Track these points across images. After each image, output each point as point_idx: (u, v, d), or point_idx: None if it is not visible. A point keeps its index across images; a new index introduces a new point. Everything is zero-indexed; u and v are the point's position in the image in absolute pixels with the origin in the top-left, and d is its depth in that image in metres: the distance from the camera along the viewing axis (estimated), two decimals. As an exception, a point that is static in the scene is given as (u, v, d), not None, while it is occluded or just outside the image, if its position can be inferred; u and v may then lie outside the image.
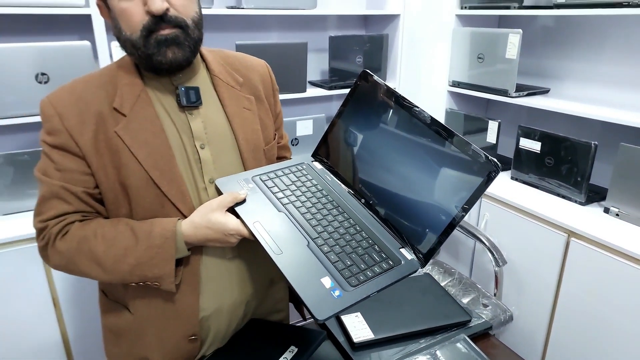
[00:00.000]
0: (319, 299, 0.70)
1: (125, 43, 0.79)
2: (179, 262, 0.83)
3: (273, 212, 0.83)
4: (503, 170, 1.97)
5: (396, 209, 0.85)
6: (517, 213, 1.70)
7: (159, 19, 0.75)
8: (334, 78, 2.01)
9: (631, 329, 1.37)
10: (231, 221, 0.80)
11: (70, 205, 0.79)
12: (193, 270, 0.84)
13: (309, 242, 0.79)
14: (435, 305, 1.10)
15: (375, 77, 0.91)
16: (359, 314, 1.04)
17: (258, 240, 0.77)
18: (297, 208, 0.85)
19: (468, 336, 1.01)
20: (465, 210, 0.76)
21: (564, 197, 1.69)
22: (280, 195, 0.87)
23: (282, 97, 1.90)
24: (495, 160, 0.74)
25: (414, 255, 0.81)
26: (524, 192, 1.77)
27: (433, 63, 2.14)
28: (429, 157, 0.82)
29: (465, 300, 1.71)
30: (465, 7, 1.97)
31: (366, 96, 0.92)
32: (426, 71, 2.18)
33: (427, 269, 1.89)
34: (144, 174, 0.80)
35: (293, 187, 0.89)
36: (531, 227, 1.65)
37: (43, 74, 1.46)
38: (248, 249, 0.89)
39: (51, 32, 1.68)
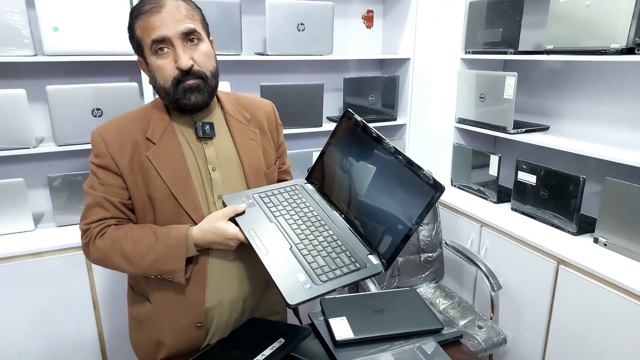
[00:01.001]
0: (292, 288, 0.88)
1: (159, 89, 1.03)
2: (190, 261, 1.03)
3: (266, 222, 1.03)
4: (505, 201, 2.09)
5: (367, 221, 1.03)
6: (513, 241, 1.82)
7: (186, 73, 0.99)
8: (347, 114, 2.23)
9: (620, 356, 1.44)
10: (231, 228, 1.00)
11: (108, 212, 1.02)
12: (200, 267, 1.04)
13: (291, 246, 0.98)
14: (413, 313, 1.24)
15: (355, 115, 1.11)
16: (344, 317, 1.20)
17: (251, 244, 0.97)
18: (286, 220, 1.04)
19: (439, 342, 1.14)
20: (418, 223, 0.93)
21: (557, 227, 1.79)
22: (274, 209, 1.06)
23: (300, 130, 2.14)
24: (440, 182, 0.91)
25: (379, 260, 0.98)
26: (521, 222, 1.89)
27: (441, 102, 2.32)
28: (392, 179, 1.00)
29: (462, 322, 1.82)
30: (469, 52, 2.16)
31: (348, 130, 1.12)
32: (434, 109, 2.36)
33: (430, 291, 2.01)
34: (166, 189, 1.02)
35: (285, 204, 1.09)
36: (525, 255, 1.76)
37: (98, 109, 1.76)
38: (247, 254, 1.08)
39: (107, 74, 2.00)
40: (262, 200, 1.09)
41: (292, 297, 0.87)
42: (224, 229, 1.00)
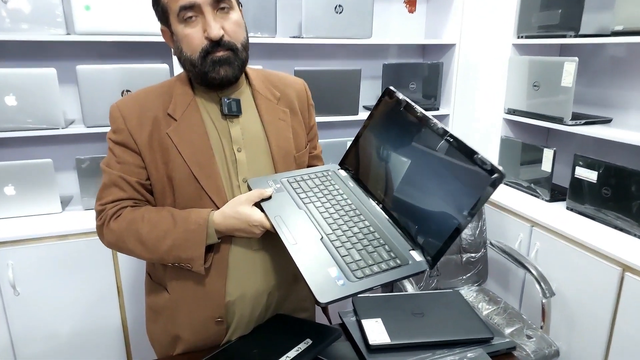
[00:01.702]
0: (323, 284, 0.77)
1: (184, 62, 0.94)
2: (210, 249, 0.94)
3: (294, 209, 0.92)
4: (559, 200, 1.90)
5: (409, 213, 0.90)
6: (569, 244, 1.64)
7: (216, 44, 0.89)
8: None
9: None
10: (256, 214, 0.90)
11: (125, 193, 0.94)
12: (222, 257, 0.95)
13: (322, 237, 0.86)
14: (458, 319, 1.11)
15: (398, 93, 0.98)
16: (379, 319, 1.08)
17: (277, 232, 0.86)
18: (316, 207, 0.93)
19: (488, 353, 1.00)
20: (471, 215, 0.80)
21: (621, 229, 1.60)
22: (303, 195, 0.95)
23: (335, 118, 2.02)
24: (500, 168, 0.77)
25: (423, 257, 0.86)
26: (578, 223, 1.70)
27: (488, 91, 2.14)
28: (440, 164, 0.86)
29: (508, 330, 1.65)
30: (522, 37, 1.97)
31: (388, 110, 0.99)
32: (481, 99, 2.18)
33: (472, 295, 1.86)
34: (186, 169, 0.93)
35: (316, 190, 0.98)
36: (584, 259, 1.58)
37: (127, 90, 1.70)
38: (273, 244, 0.98)
39: (138, 56, 1.95)
40: (291, 185, 0.98)
41: (322, 294, 0.75)
42: (248, 215, 0.90)
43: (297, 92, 1.09)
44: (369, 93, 2.33)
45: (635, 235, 1.55)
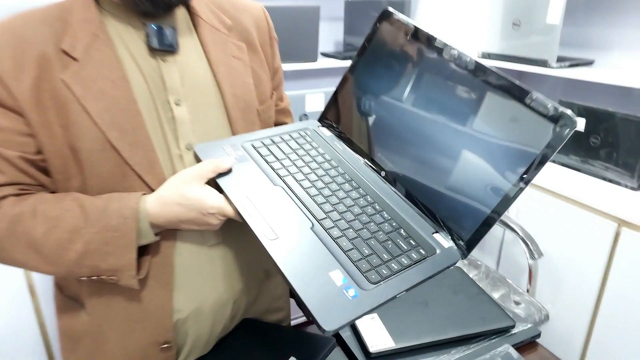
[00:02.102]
0: (327, 301, 0.51)
1: None
2: (145, 251, 0.64)
3: (267, 186, 0.64)
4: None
5: (428, 183, 0.65)
6: (555, 199, 1.49)
7: None
8: (349, 47, 1.80)
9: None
10: (211, 196, 0.61)
11: (2, 175, 0.61)
12: (164, 261, 0.66)
13: (313, 224, 0.60)
14: (470, 306, 0.91)
15: (401, 16, 0.70)
16: (375, 315, 0.85)
17: (246, 222, 0.58)
18: (298, 181, 0.65)
19: (512, 346, 0.81)
20: (525, 182, 0.56)
21: (611, 181, 1.47)
22: (277, 165, 0.67)
23: (290, 66, 1.70)
24: (568, 112, 0.54)
25: (452, 241, 0.62)
26: (563, 176, 1.55)
27: (460, 32, 1.91)
28: (472, 112, 0.61)
29: (494, 297, 1.51)
30: (498, -33, 1.74)
31: (388, 42, 0.71)
32: (452, 41, 1.95)
33: (450, 261, 1.69)
34: (98, 134, 0.61)
35: (294, 156, 0.70)
36: (573, 216, 1.44)
37: None
38: (236, 233, 0.70)
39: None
40: (259, 151, 0.69)
41: (329, 317, 0.50)
42: (199, 198, 0.61)
43: (255, 20, 0.78)
44: (327, 39, 2.02)
45: (627, 186, 1.43)
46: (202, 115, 0.69)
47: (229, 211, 0.61)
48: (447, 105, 0.64)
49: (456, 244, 0.62)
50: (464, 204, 0.61)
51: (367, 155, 0.73)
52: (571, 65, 1.63)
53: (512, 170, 0.57)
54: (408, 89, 0.68)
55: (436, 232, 0.63)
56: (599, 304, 1.41)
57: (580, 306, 1.46)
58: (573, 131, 0.54)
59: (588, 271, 1.42)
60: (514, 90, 0.58)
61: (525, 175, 0.56)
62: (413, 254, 0.59)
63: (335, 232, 0.59)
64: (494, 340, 0.84)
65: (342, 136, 0.76)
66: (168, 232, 0.65)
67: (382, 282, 0.54)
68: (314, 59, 1.74)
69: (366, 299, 0.52)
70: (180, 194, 0.60)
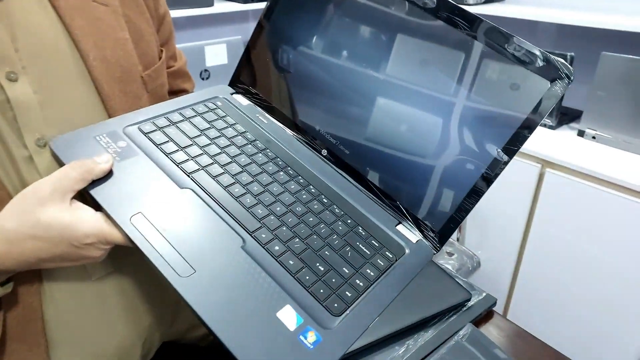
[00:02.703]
0: (276, 357, 0.36)
1: None
2: (-7, 305, 0.43)
3: (170, 191, 0.45)
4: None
5: (384, 160, 0.51)
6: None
7: None
8: (248, -13, 1.55)
9: (608, 261, 1.21)
10: (84, 219, 0.41)
11: None
12: (28, 314, 0.45)
13: (244, 241, 0.43)
14: (420, 283, 0.81)
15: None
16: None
17: (143, 253, 0.40)
18: (214, 177, 0.47)
19: (472, 322, 0.74)
20: (510, 152, 0.44)
21: (531, 121, 1.46)
22: (180, 156, 0.48)
23: (181, 13, 1.42)
24: (562, 61, 0.42)
25: (419, 233, 0.49)
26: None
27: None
28: (439, 67, 0.47)
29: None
30: None
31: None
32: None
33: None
34: None
35: (203, 140, 0.51)
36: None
37: None
38: (133, 253, 0.51)
39: None
40: (150, 138, 0.49)
41: None
42: (67, 225, 0.40)
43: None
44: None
45: (545, 125, 1.43)
46: (57, 93, 0.46)
47: (115, 236, 0.41)
48: (403, 57, 0.49)
49: (425, 235, 0.49)
50: (432, 185, 0.48)
51: (301, 128, 0.56)
52: (486, 2, 1.56)
53: (493, 140, 0.45)
54: (349, 37, 0.52)
55: (399, 223, 0.50)
56: (524, 245, 1.43)
57: (507, 248, 1.49)
58: (569, 85, 0.42)
59: (514, 214, 1.43)
60: (492, 36, 0.44)
61: (510, 145, 0.44)
62: (379, 260, 0.45)
63: (277, 248, 0.43)
64: (452, 319, 0.76)
65: (264, 104, 0.58)
66: (28, 274, 0.44)
67: (348, 311, 0.40)
68: (210, 3, 1.47)
69: (333, 343, 0.38)
70: (33, 222, 0.39)
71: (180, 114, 0.53)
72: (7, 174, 0.43)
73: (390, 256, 0.46)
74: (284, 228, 0.44)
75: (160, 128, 0.50)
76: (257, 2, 1.56)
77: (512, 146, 0.44)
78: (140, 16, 0.56)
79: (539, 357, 0.69)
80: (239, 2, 1.56)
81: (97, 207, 0.42)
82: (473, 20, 0.44)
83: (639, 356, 1.21)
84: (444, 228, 0.48)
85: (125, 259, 0.51)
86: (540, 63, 0.42)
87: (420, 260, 0.47)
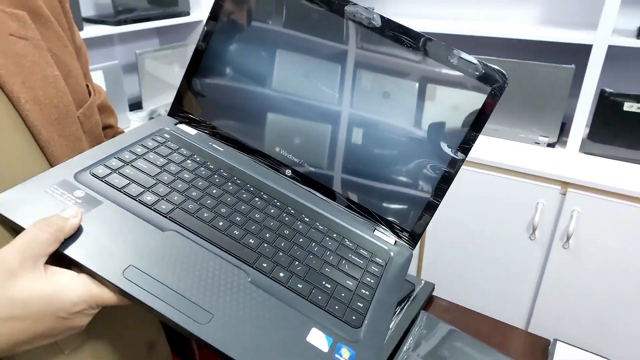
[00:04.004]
0: None
1: None
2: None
3: (152, 236, 0.41)
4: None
5: (349, 172, 0.53)
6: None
7: None
8: (121, 8, 1.45)
9: (491, 230, 1.40)
10: (69, 284, 0.35)
11: None
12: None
13: (249, 275, 0.41)
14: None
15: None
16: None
17: (147, 306, 0.36)
18: (193, 214, 0.44)
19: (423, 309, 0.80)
20: (465, 150, 0.50)
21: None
22: (149, 198, 0.44)
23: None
24: (497, 67, 0.49)
25: (394, 235, 0.53)
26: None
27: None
28: (387, 79, 0.51)
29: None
30: None
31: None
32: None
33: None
34: None
35: (166, 177, 0.47)
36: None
37: None
38: (104, 313, 0.45)
39: None
40: (108, 182, 0.44)
41: None
42: (51, 296, 0.34)
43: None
44: (87, 0, 1.58)
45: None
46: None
47: (106, 297, 0.36)
48: (350, 72, 0.52)
49: (400, 236, 0.53)
50: (400, 188, 0.52)
51: (258, 151, 0.55)
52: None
53: (448, 142, 0.51)
54: (297, 53, 0.53)
55: (375, 229, 0.53)
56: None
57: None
58: (505, 89, 0.49)
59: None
60: (434, 49, 0.49)
61: (464, 144, 0.50)
62: (373, 267, 0.47)
63: (282, 274, 0.42)
64: (404, 311, 0.81)
65: (213, 131, 0.56)
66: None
67: (366, 321, 0.42)
68: (79, 27, 1.34)
69: (366, 354, 0.39)
70: (6, 301, 0.33)
71: (131, 152, 0.49)
72: None
73: (381, 262, 0.48)
74: (281, 254, 0.44)
75: (114, 170, 0.45)
76: (130, 23, 1.46)
77: (466, 145, 0.50)
78: (64, 49, 0.49)
79: (481, 327, 0.79)
80: (109, 24, 1.44)
81: (75, 267, 0.37)
82: (417, 37, 0.49)
83: (529, 308, 1.42)
84: (416, 227, 0.52)
85: (97, 321, 0.45)
86: (480, 71, 0.49)
87: (405, 260, 0.50)
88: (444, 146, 0.51)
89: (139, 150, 0.49)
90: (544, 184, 1.26)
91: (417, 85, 0.51)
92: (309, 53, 0.52)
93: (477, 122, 0.49)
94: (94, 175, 0.44)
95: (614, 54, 1.21)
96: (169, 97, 1.64)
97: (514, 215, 1.32)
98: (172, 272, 0.38)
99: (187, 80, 0.56)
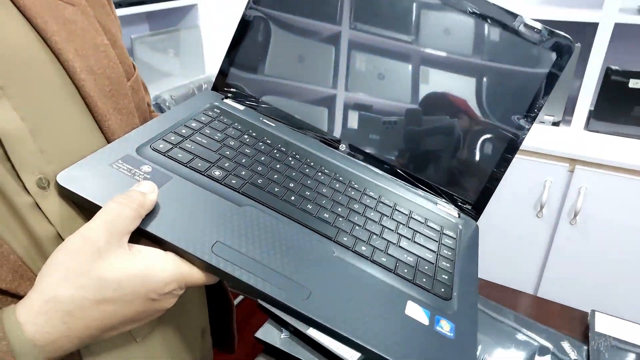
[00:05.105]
0: (435, 357, 0.34)
1: None
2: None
3: (231, 212, 0.38)
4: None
5: (408, 144, 0.52)
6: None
7: None
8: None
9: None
10: (159, 263, 0.32)
11: None
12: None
13: (334, 251, 0.39)
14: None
15: None
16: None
17: (243, 283, 0.33)
18: (265, 190, 0.42)
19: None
20: (530, 119, 0.49)
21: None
22: (218, 173, 0.41)
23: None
24: (563, 33, 0.48)
25: (457, 208, 0.51)
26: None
27: None
28: (454, 44, 0.49)
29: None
30: None
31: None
32: None
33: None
34: None
35: (229, 152, 0.45)
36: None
37: None
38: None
39: None
40: (174, 157, 0.41)
41: None
42: (143, 276, 0.31)
43: None
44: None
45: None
46: (47, 118, 0.36)
47: (196, 276, 0.34)
48: (416, 38, 0.50)
49: (462, 209, 0.52)
50: (462, 159, 0.51)
51: (310, 126, 0.53)
52: None
53: (513, 110, 0.49)
54: (354, 12, 0.50)
55: (436, 203, 0.51)
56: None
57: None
58: (572, 54, 0.48)
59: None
60: (498, 15, 0.48)
61: (529, 113, 0.49)
62: (447, 240, 0.46)
63: (364, 248, 0.40)
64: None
65: (261, 107, 0.53)
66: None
67: (454, 293, 0.40)
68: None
69: (465, 325, 0.37)
70: (97, 283, 0.29)
71: (186, 126, 0.46)
72: (8, 228, 0.32)
73: (452, 234, 0.47)
74: (357, 228, 0.42)
75: (175, 145, 0.43)
76: (125, 7, 1.39)
77: (532, 113, 0.49)
78: (107, 17, 0.46)
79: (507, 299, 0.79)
80: (122, 7, 1.37)
81: (156, 241, 0.34)
82: (481, 3, 0.48)
83: (536, 284, 1.45)
84: (479, 199, 0.51)
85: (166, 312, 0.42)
86: (545, 37, 0.47)
87: (474, 232, 0.49)
88: (509, 115, 0.49)
89: (194, 125, 0.46)
90: (553, 162, 1.27)
91: (481, 53, 0.49)
92: (371, 22, 0.50)
93: (543, 90, 0.48)
94: (155, 149, 0.41)
95: (618, 32, 1.22)
96: (166, 83, 1.59)
97: (523, 193, 1.33)
98: (260, 248, 0.36)
99: (232, 53, 0.53)
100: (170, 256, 0.33)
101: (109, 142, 0.41)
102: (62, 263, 0.30)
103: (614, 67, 1.23)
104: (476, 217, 0.51)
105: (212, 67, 1.74)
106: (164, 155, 0.41)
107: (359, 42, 0.51)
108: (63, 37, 0.38)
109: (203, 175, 0.40)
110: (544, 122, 1.39)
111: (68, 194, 0.35)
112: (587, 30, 1.26)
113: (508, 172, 0.50)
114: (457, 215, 0.51)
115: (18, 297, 0.31)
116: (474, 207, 0.51)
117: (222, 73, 0.54)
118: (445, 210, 0.50)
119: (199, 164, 0.41)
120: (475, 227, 0.50)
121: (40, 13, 0.37)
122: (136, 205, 0.33)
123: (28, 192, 0.33)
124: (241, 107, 0.53)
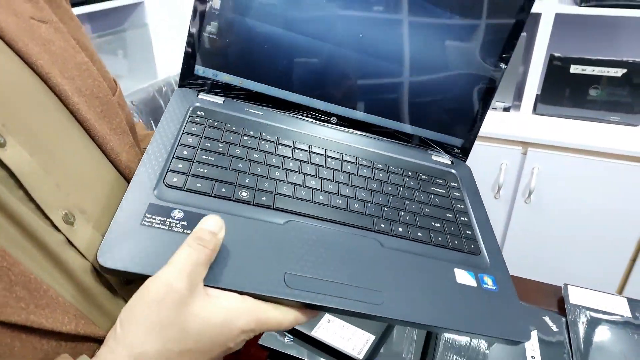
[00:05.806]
0: (493, 314, 0.38)
1: None
2: None
3: (278, 233, 0.38)
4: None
5: (391, 102, 0.54)
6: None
7: None
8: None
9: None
10: (236, 310, 0.32)
11: None
12: None
13: (378, 241, 0.41)
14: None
15: None
16: (330, 317, 0.71)
17: (322, 308, 0.35)
18: (293, 197, 0.42)
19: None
20: (505, 59, 0.52)
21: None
22: (244, 194, 0.40)
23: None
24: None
25: (447, 155, 0.55)
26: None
27: None
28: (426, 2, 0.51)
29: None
30: None
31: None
32: None
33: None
34: None
35: (241, 165, 0.43)
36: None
37: None
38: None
39: None
40: (195, 190, 0.39)
41: (514, 328, 0.38)
42: (222, 325, 0.31)
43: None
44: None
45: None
46: (52, 150, 0.34)
47: (272, 316, 0.33)
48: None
49: (454, 154, 0.55)
50: (444, 108, 0.54)
51: (294, 104, 0.52)
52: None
53: (487, 52, 0.51)
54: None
55: (430, 155, 0.55)
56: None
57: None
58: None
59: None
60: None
61: (503, 54, 0.51)
62: (455, 192, 0.49)
63: (400, 229, 0.42)
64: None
65: (240, 95, 0.51)
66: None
67: (481, 245, 0.44)
68: None
69: (501, 273, 0.41)
70: (180, 335, 0.28)
71: (184, 145, 0.43)
72: (44, 269, 0.30)
73: (455, 185, 0.50)
74: (386, 209, 0.44)
75: (187, 174, 0.40)
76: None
77: (506, 54, 0.51)
78: (79, 30, 0.44)
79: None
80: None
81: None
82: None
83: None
84: (466, 140, 0.55)
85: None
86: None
87: (469, 175, 0.53)
88: (485, 58, 0.52)
89: (191, 140, 0.44)
90: (506, 146, 1.35)
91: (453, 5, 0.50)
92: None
93: (513, 31, 0.51)
94: (170, 186, 0.39)
95: (559, 21, 1.31)
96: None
97: (481, 176, 1.41)
98: (321, 265, 0.36)
99: (193, 41, 0.48)
100: (247, 300, 0.33)
101: (115, 165, 0.39)
102: (148, 315, 0.29)
103: (556, 54, 1.32)
104: (465, 158, 0.55)
105: (164, 66, 1.68)
106: (184, 190, 0.39)
107: (342, 11, 0.49)
108: (47, 60, 0.36)
109: (232, 201, 0.39)
110: (495, 109, 1.47)
111: (115, 273, 0.32)
112: (531, 21, 1.34)
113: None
114: (450, 162, 0.54)
115: (79, 336, 0.31)
116: (463, 149, 0.55)
117: (188, 66, 0.50)
118: (440, 161, 0.54)
119: (223, 190, 0.40)
120: (468, 168, 0.54)
121: (19, 36, 0.35)
122: (211, 248, 0.32)
123: (58, 230, 0.32)
124: (220, 100, 0.51)
